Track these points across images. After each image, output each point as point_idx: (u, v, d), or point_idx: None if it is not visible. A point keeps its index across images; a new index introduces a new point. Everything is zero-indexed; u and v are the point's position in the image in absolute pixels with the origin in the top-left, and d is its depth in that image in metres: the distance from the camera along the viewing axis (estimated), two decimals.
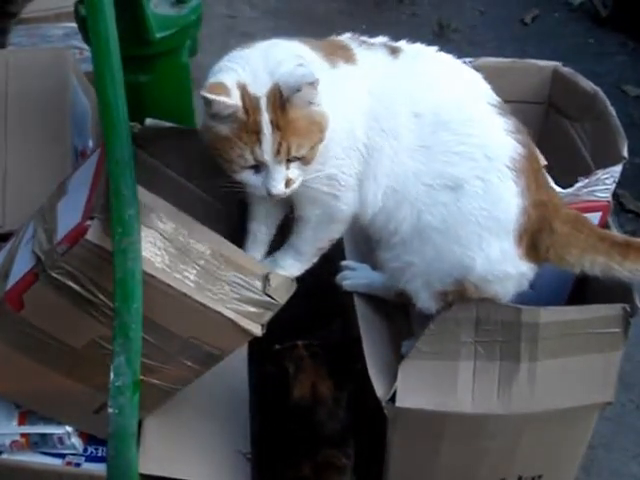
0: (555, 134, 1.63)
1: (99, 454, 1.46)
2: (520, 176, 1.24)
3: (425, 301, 1.35)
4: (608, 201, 1.44)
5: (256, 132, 1.13)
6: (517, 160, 1.24)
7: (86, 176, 1.32)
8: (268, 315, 1.27)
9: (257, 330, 1.27)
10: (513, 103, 1.52)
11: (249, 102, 1.13)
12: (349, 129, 1.23)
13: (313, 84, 1.12)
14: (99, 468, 1.41)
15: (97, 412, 1.39)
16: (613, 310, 1.34)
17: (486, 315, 1.33)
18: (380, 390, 1.37)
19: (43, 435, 1.44)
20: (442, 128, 1.25)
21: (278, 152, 1.14)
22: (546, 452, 1.49)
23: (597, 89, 1.54)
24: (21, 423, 1.44)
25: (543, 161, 1.40)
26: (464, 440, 1.42)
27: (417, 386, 1.36)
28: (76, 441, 1.46)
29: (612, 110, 1.48)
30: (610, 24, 3.18)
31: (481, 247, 1.27)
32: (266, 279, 1.27)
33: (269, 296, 1.26)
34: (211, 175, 1.35)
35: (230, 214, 1.46)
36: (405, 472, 1.49)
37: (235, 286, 1.25)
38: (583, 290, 1.52)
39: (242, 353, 1.59)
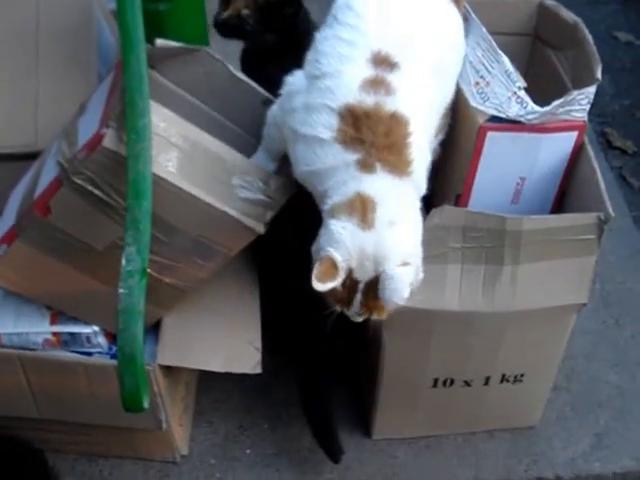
0: (540, 63, 1.73)
1: None
2: None
3: None
4: (584, 121, 1.54)
5: (347, 302, 1.27)
6: None
7: (102, 94, 1.44)
8: (270, 214, 1.39)
9: (260, 228, 1.39)
10: (503, 35, 1.64)
11: (349, 282, 1.24)
12: None
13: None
14: None
15: None
16: (589, 218, 1.45)
17: (473, 223, 1.45)
18: None
19: (73, 334, 1.57)
20: None
21: (360, 315, 1.29)
22: (528, 351, 1.63)
23: (577, 19, 1.64)
24: (53, 323, 1.57)
25: (523, 83, 1.51)
26: (452, 336, 1.56)
27: None
28: (102, 340, 1.59)
29: (590, 38, 1.58)
30: None
31: None
32: (267, 181, 1.39)
33: (270, 197, 1.39)
34: (218, 95, 1.48)
35: (233, 130, 1.58)
36: (399, 368, 1.63)
37: (239, 188, 1.38)
38: (562, 205, 1.65)
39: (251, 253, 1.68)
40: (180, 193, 1.35)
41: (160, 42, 1.49)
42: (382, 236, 1.24)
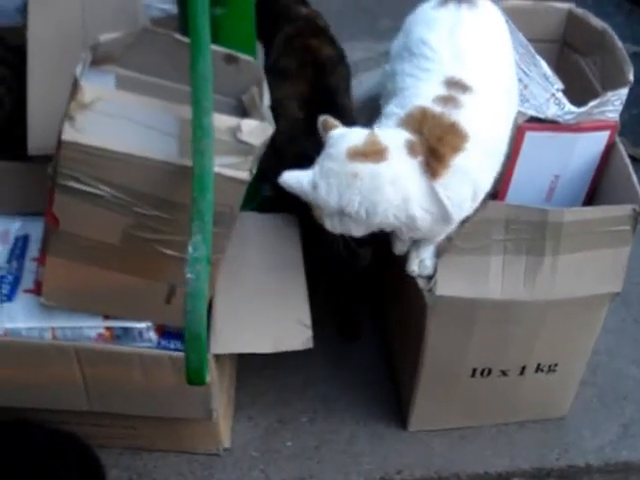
0: (568, 68, 1.82)
1: (171, 346, 1.64)
2: None
3: None
4: (616, 121, 1.63)
5: None
6: None
7: None
8: (250, 160, 1.38)
9: (245, 175, 1.39)
10: (532, 42, 1.72)
11: None
12: None
13: None
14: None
15: (168, 302, 1.56)
16: (624, 210, 1.53)
17: (515, 216, 1.52)
18: (422, 282, 1.58)
19: (125, 329, 1.61)
20: None
21: None
22: (563, 341, 1.70)
23: (606, 25, 1.74)
24: (106, 317, 1.62)
25: (560, 85, 1.60)
26: (493, 326, 1.62)
27: (454, 277, 1.56)
28: (152, 335, 1.63)
29: (619, 43, 1.68)
30: None
31: None
32: (238, 127, 1.37)
33: (243, 142, 1.37)
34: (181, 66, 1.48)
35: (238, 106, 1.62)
36: (440, 358, 1.69)
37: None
38: (592, 202, 1.73)
39: (294, 235, 1.78)
40: (166, 167, 1.38)
41: (103, 36, 1.49)
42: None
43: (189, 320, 1.24)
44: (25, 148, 1.70)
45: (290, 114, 1.81)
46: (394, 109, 1.43)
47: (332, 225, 1.38)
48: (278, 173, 1.39)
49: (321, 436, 1.87)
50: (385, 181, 1.34)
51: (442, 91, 1.39)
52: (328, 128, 1.40)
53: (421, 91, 1.41)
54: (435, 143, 1.34)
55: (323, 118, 1.42)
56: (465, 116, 1.37)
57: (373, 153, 1.34)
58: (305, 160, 1.40)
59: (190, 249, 1.28)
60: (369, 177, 1.33)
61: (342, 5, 2.15)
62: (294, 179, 1.36)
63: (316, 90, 1.83)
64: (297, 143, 1.71)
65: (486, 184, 1.42)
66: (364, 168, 1.33)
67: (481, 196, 1.42)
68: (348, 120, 1.71)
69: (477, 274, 1.55)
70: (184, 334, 1.26)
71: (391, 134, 1.37)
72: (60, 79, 1.65)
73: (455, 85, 1.39)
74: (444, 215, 1.39)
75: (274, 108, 1.62)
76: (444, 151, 1.34)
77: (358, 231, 1.40)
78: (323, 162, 1.36)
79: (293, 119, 1.80)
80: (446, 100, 1.38)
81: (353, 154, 1.34)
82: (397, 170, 1.34)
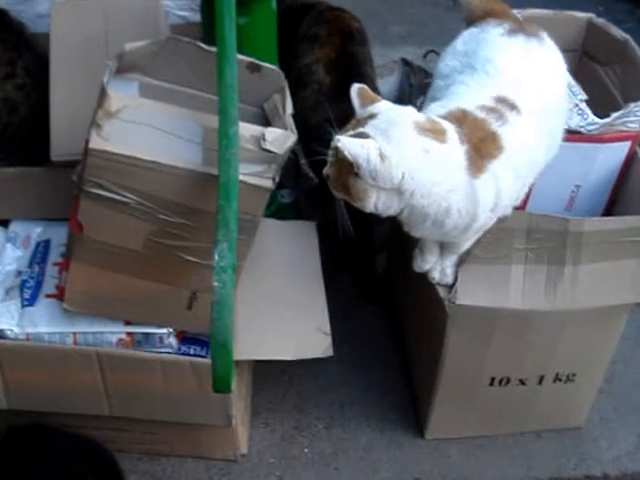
0: (587, 78, 1.82)
1: (190, 352, 1.64)
2: None
3: None
4: (637, 131, 1.64)
5: None
6: None
7: None
8: (273, 168, 1.40)
9: (268, 183, 1.41)
10: None
11: None
12: None
13: None
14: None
15: (189, 308, 1.57)
16: None
17: (537, 225, 1.53)
18: (442, 291, 1.58)
19: (146, 334, 1.62)
20: None
21: None
22: (581, 351, 1.70)
23: (627, 36, 1.75)
24: (127, 323, 1.62)
25: (584, 96, 1.61)
26: (513, 335, 1.63)
27: (475, 287, 1.56)
28: (173, 340, 1.64)
29: None
30: None
31: None
32: (262, 136, 1.38)
33: (267, 150, 1.38)
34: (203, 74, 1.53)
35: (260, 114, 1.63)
36: (459, 367, 1.69)
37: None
38: (611, 212, 1.73)
39: (313, 242, 1.79)
40: (191, 175, 1.39)
41: (128, 45, 1.51)
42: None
43: (216, 328, 1.25)
44: (41, 154, 1.71)
45: (316, 80, 1.88)
46: (436, 108, 1.42)
47: (375, 202, 1.32)
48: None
49: (338, 443, 1.87)
50: (448, 163, 1.32)
51: (490, 103, 1.39)
52: (368, 99, 1.36)
53: (469, 97, 1.41)
54: (478, 142, 1.34)
55: (360, 87, 1.37)
56: (506, 131, 1.37)
57: (438, 132, 1.32)
58: (329, 126, 1.38)
59: (216, 257, 1.29)
60: (437, 155, 1.30)
61: (352, 9, 2.17)
62: (357, 146, 1.26)
63: (343, 57, 1.91)
64: (321, 109, 1.73)
65: (506, 200, 1.41)
66: (433, 145, 1.30)
67: (499, 211, 1.42)
68: (374, 89, 1.74)
69: (498, 283, 1.56)
70: (210, 342, 1.27)
71: (443, 121, 1.35)
72: (82, 86, 1.69)
73: (504, 102, 1.39)
74: (471, 215, 1.38)
75: (301, 75, 1.63)
76: (485, 152, 1.34)
77: (393, 211, 1.36)
78: (390, 133, 1.29)
79: (319, 84, 1.87)
80: (491, 110, 1.38)
81: (422, 129, 1.30)
82: (454, 156, 1.33)
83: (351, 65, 1.92)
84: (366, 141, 1.27)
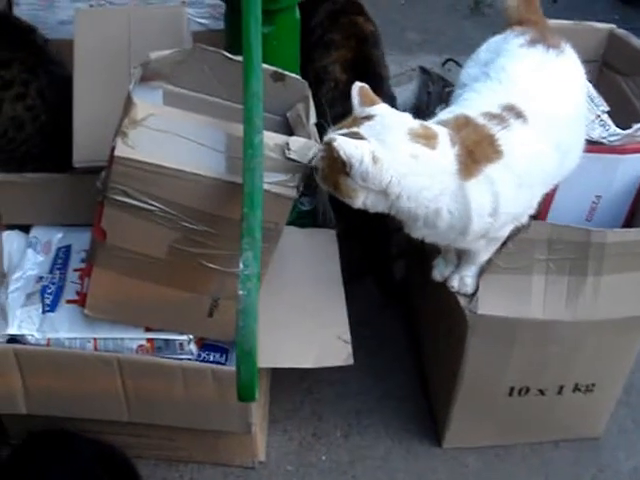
0: (608, 88, 1.83)
1: (210, 359, 1.65)
2: None
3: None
4: None
5: None
6: None
7: None
8: (297, 178, 1.41)
9: (292, 192, 1.42)
10: None
11: None
12: None
13: None
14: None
15: (210, 315, 1.58)
16: None
17: (558, 236, 1.53)
18: (463, 300, 1.59)
19: (167, 341, 1.63)
20: None
21: None
22: (602, 361, 1.70)
23: None
24: (148, 329, 1.63)
25: (606, 107, 1.61)
26: (533, 345, 1.63)
27: (496, 296, 1.56)
28: (193, 347, 1.65)
29: None
30: (634, 2, 3.41)
31: None
32: (286, 145, 1.39)
33: (291, 159, 1.39)
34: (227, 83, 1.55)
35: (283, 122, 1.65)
36: (478, 376, 1.69)
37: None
38: (632, 221, 1.73)
39: (333, 250, 1.80)
40: (215, 183, 1.40)
41: (154, 54, 1.52)
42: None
43: (241, 336, 1.25)
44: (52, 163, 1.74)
45: (333, 77, 1.96)
46: (444, 113, 1.45)
47: (363, 201, 1.35)
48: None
49: (355, 451, 1.88)
50: (436, 168, 1.34)
51: (495, 110, 1.40)
52: (368, 100, 1.38)
53: (477, 104, 1.43)
54: (472, 145, 1.35)
55: (362, 86, 1.40)
56: (507, 137, 1.37)
57: (428, 138, 1.34)
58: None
59: (241, 265, 1.29)
60: (425, 161, 1.32)
61: (371, 15, 2.19)
62: (352, 146, 1.28)
63: (358, 58, 2.00)
64: (339, 104, 1.75)
65: (509, 207, 1.41)
66: (423, 151, 1.32)
67: (502, 218, 1.41)
68: (386, 90, 1.95)
69: (519, 294, 1.56)
70: (236, 350, 1.27)
71: (436, 126, 1.38)
72: (105, 92, 1.69)
73: (511, 110, 1.40)
74: (464, 218, 1.38)
75: (318, 75, 1.71)
76: (479, 155, 1.35)
77: (381, 210, 1.38)
78: (383, 137, 1.32)
79: (335, 81, 1.95)
80: (494, 117, 1.39)
81: (414, 135, 1.33)
82: (443, 161, 1.34)
83: (366, 65, 2.00)
84: (361, 142, 1.29)
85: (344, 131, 1.34)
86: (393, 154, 1.31)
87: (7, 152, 1.81)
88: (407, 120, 1.37)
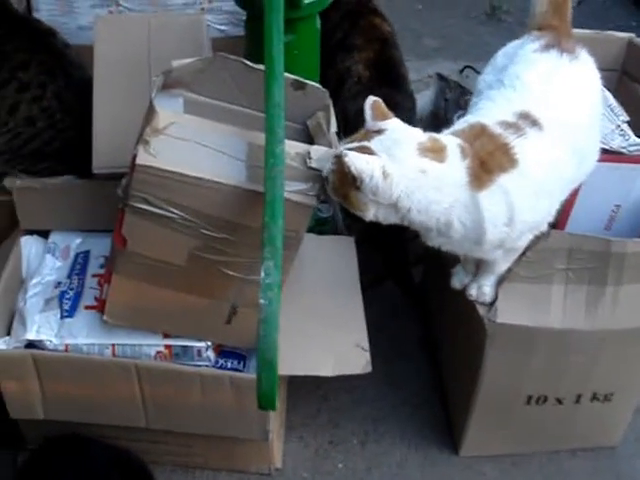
0: (628, 97, 1.82)
1: (228, 365, 1.65)
2: None
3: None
4: None
5: None
6: None
7: None
8: (317, 187, 1.41)
9: (312, 201, 1.42)
10: None
11: None
12: None
13: None
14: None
15: (229, 322, 1.59)
16: None
17: (578, 246, 1.53)
18: (482, 309, 1.58)
19: (185, 347, 1.63)
20: None
21: None
22: (620, 370, 1.69)
23: None
24: (166, 336, 1.63)
25: (626, 117, 1.61)
26: (552, 354, 1.62)
27: (515, 305, 1.56)
28: (211, 354, 1.65)
29: None
30: None
31: None
32: (307, 154, 1.40)
33: (312, 168, 1.40)
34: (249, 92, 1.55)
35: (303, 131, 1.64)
36: (496, 385, 1.69)
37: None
38: None
39: (351, 258, 1.80)
40: (235, 191, 1.40)
41: (175, 62, 1.53)
42: None
43: (262, 345, 1.25)
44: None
45: (356, 74, 2.03)
46: (460, 122, 1.45)
47: (374, 214, 1.36)
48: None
49: (372, 459, 1.87)
50: (445, 181, 1.34)
51: (510, 118, 1.40)
52: (380, 114, 1.38)
53: (492, 112, 1.43)
54: (485, 156, 1.35)
55: (375, 100, 1.39)
56: (523, 146, 1.37)
57: (437, 151, 1.34)
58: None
59: (262, 274, 1.29)
60: (434, 175, 1.33)
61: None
62: (363, 162, 1.29)
63: (381, 58, 2.06)
64: (360, 100, 1.75)
65: (526, 215, 1.40)
66: (432, 165, 1.32)
67: (519, 227, 1.40)
68: (406, 89, 2.00)
69: (538, 303, 1.56)
70: (257, 359, 1.27)
71: (446, 138, 1.38)
72: (125, 99, 1.70)
73: (527, 118, 1.40)
74: (478, 229, 1.38)
75: (341, 75, 1.75)
76: (492, 166, 1.35)
77: (392, 222, 1.39)
78: (393, 152, 1.32)
79: (358, 77, 2.01)
80: (509, 126, 1.39)
81: (423, 149, 1.33)
82: (453, 173, 1.34)
83: (388, 65, 2.06)
84: (372, 158, 1.30)
85: (355, 145, 1.34)
86: (402, 169, 1.31)
87: (17, 149, 1.81)
88: (417, 134, 1.37)
